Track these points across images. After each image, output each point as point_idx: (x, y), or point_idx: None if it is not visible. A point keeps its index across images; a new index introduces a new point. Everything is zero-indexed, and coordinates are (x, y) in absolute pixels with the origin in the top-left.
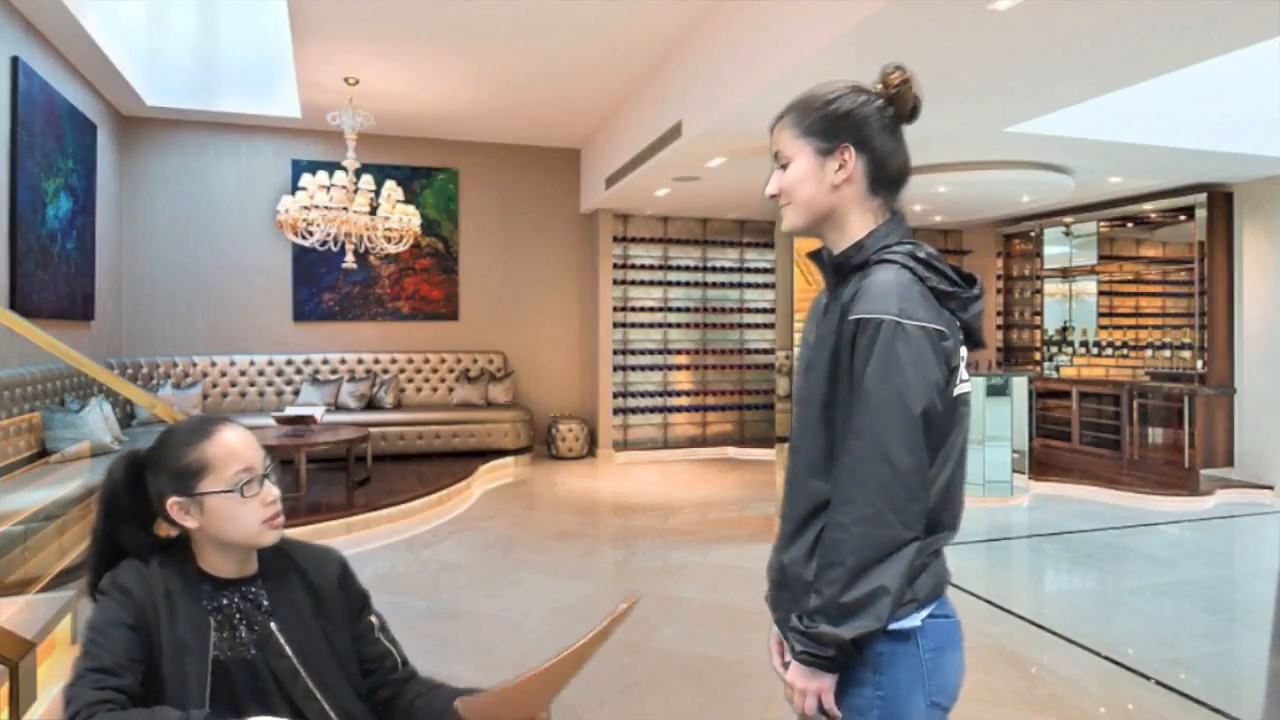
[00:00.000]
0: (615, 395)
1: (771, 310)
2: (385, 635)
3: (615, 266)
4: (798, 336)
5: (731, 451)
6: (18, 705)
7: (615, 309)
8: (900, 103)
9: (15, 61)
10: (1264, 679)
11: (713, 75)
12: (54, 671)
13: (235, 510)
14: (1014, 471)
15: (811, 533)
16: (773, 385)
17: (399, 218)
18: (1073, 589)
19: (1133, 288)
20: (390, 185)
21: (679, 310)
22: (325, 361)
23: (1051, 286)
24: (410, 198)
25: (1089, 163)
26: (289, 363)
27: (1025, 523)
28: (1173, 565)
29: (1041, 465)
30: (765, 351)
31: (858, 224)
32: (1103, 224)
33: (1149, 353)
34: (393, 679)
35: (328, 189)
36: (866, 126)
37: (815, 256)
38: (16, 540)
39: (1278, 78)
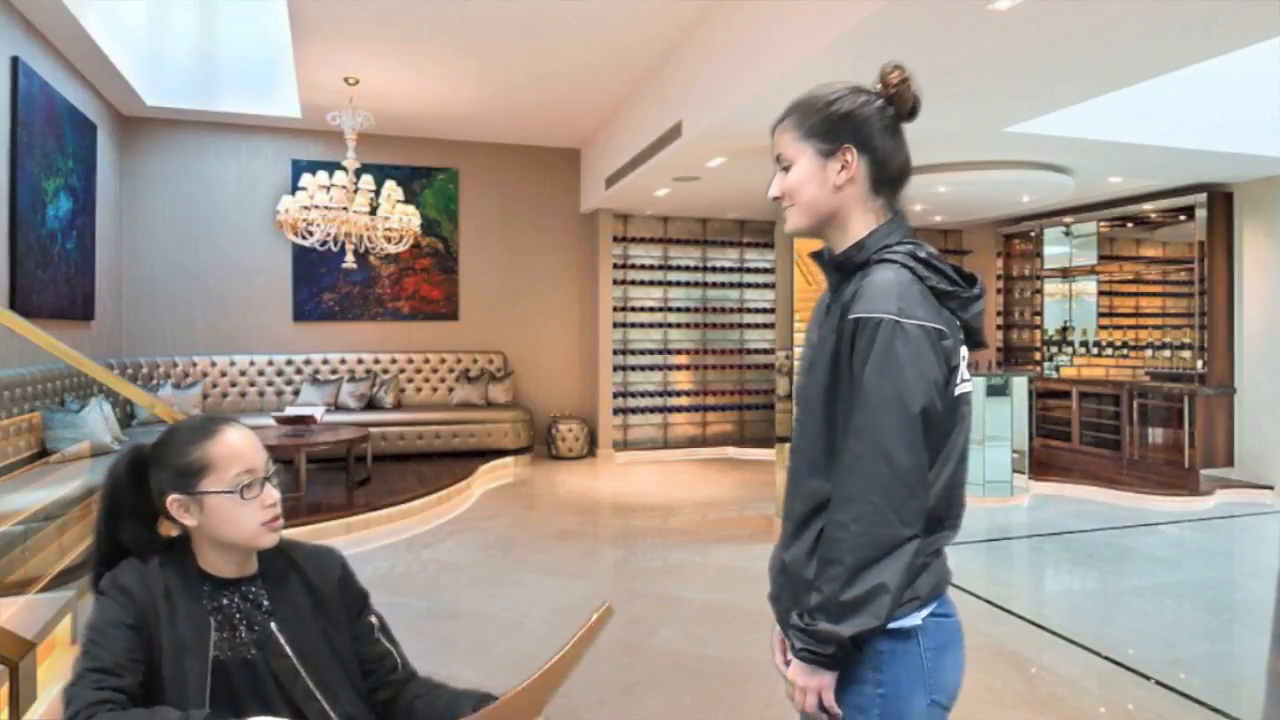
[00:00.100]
0: (615, 395)
1: (771, 310)
2: (385, 635)
3: (615, 266)
4: (798, 336)
5: (731, 451)
6: (18, 705)
7: (615, 309)
8: (900, 102)
9: (15, 61)
10: (1264, 679)
11: (713, 75)
12: (54, 671)
13: (234, 511)
14: (1014, 471)
15: (812, 531)
16: (773, 385)
17: (399, 218)
18: (1073, 589)
19: (1133, 288)
20: (390, 185)
21: (679, 310)
22: (325, 361)
23: (1051, 286)
24: (410, 198)
25: (1089, 163)
26: (289, 363)
27: (1025, 523)
28: (1173, 565)
29: (1041, 465)
30: (765, 351)
31: (860, 224)
32: (1103, 224)
33: (1149, 353)
34: (392, 679)
35: (328, 189)
36: (867, 127)
37: (817, 256)
38: (16, 540)
39: (1278, 78)
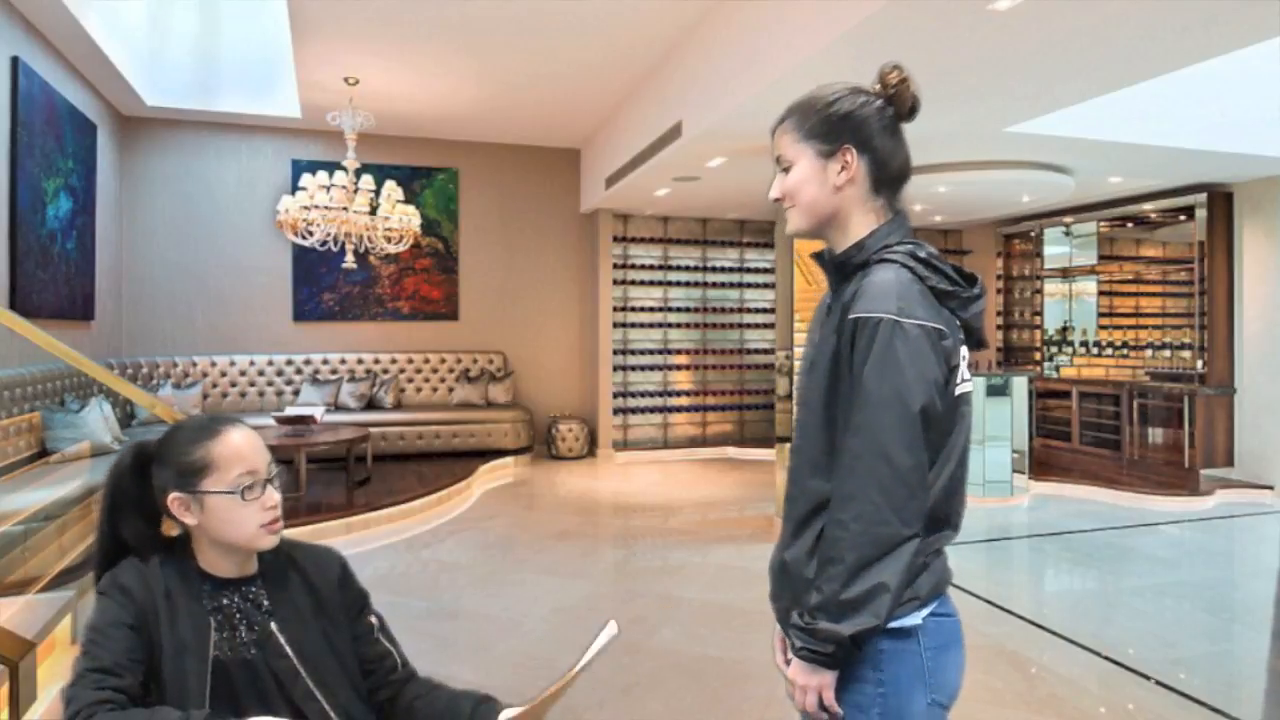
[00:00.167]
0: (615, 395)
1: (771, 310)
2: (385, 635)
3: (615, 266)
4: (798, 337)
5: (731, 451)
6: (18, 705)
7: (615, 309)
8: (899, 102)
9: (15, 61)
10: (1264, 679)
11: (713, 75)
12: (54, 671)
13: (234, 512)
14: (1014, 471)
15: (813, 531)
16: (773, 385)
17: (399, 218)
18: (1073, 589)
19: (1133, 288)
20: (390, 185)
21: (679, 310)
22: (325, 361)
23: (1051, 286)
24: (410, 198)
25: (1089, 163)
26: (289, 363)
27: (1025, 523)
28: (1173, 565)
29: (1041, 465)
30: (765, 351)
31: (861, 224)
32: (1103, 224)
33: (1149, 353)
34: (392, 679)
35: (328, 189)
36: (867, 127)
37: (818, 257)
38: (16, 540)
39: (1278, 78)
